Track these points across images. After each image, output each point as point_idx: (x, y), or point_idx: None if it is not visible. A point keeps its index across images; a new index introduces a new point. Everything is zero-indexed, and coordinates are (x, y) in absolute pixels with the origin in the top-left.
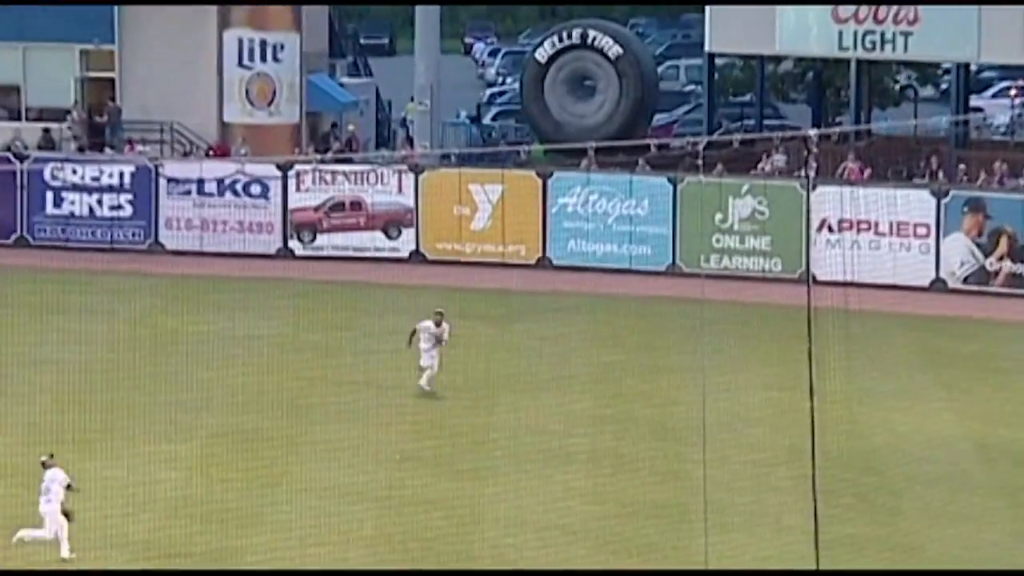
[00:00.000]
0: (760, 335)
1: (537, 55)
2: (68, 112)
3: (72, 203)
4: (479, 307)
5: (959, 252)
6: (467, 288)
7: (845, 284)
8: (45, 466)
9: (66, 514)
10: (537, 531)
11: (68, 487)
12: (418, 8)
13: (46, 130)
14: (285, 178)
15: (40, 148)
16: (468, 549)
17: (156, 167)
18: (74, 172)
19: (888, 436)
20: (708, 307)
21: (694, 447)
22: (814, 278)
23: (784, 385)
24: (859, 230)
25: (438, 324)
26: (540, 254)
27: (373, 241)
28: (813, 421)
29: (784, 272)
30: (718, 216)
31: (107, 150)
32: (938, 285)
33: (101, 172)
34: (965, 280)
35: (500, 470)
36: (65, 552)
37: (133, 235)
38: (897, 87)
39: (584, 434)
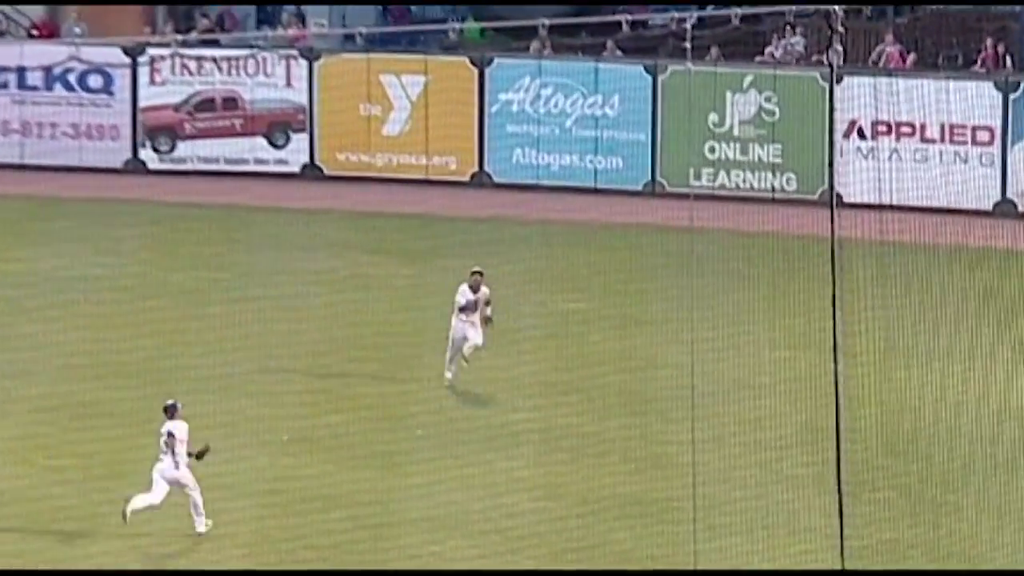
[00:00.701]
0: (767, 275)
1: None
2: None
3: None
4: (394, 239)
5: None
6: (378, 213)
7: (880, 207)
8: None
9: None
10: (470, 536)
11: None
12: None
13: None
14: (135, 66)
15: None
16: (379, 558)
17: None
18: None
19: (939, 409)
20: (699, 238)
21: (679, 424)
22: (839, 199)
23: (800, 342)
24: (899, 135)
25: (475, 288)
26: (475, 168)
27: (253, 150)
28: (838, 389)
29: (800, 192)
30: (712, 117)
31: None
32: (1004, 208)
33: None
34: None
35: (421, 455)
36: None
37: None
38: None
39: (534, 407)
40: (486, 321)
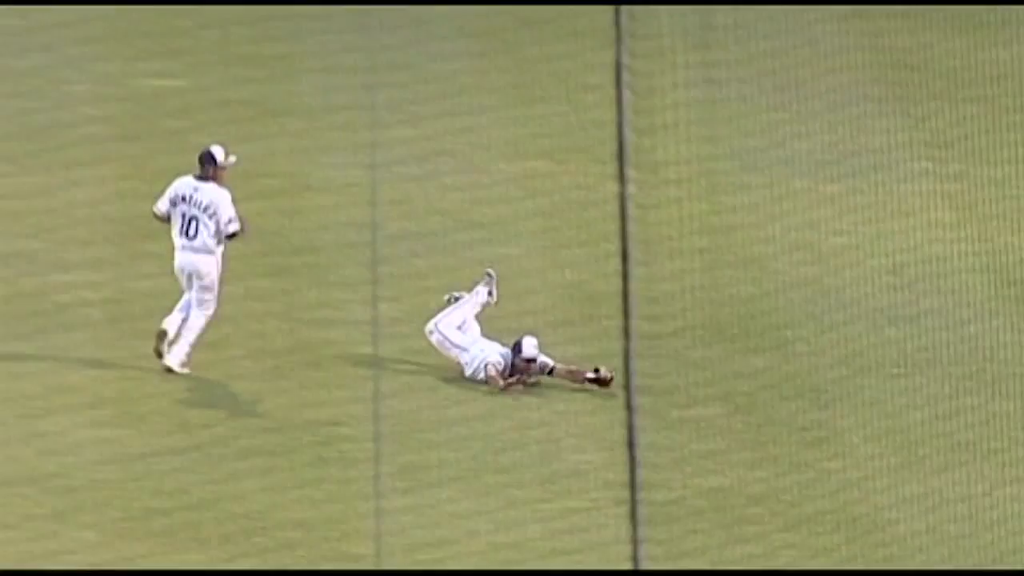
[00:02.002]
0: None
1: None
2: None
3: None
4: None
5: None
6: None
7: None
8: None
9: None
10: None
11: None
12: None
13: None
14: None
15: None
16: None
17: None
18: None
19: (799, 264)
20: None
21: None
22: None
23: (556, 148)
24: None
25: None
26: None
27: None
28: (626, 232)
29: None
30: None
31: None
32: None
33: None
34: None
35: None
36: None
37: None
38: None
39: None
40: None
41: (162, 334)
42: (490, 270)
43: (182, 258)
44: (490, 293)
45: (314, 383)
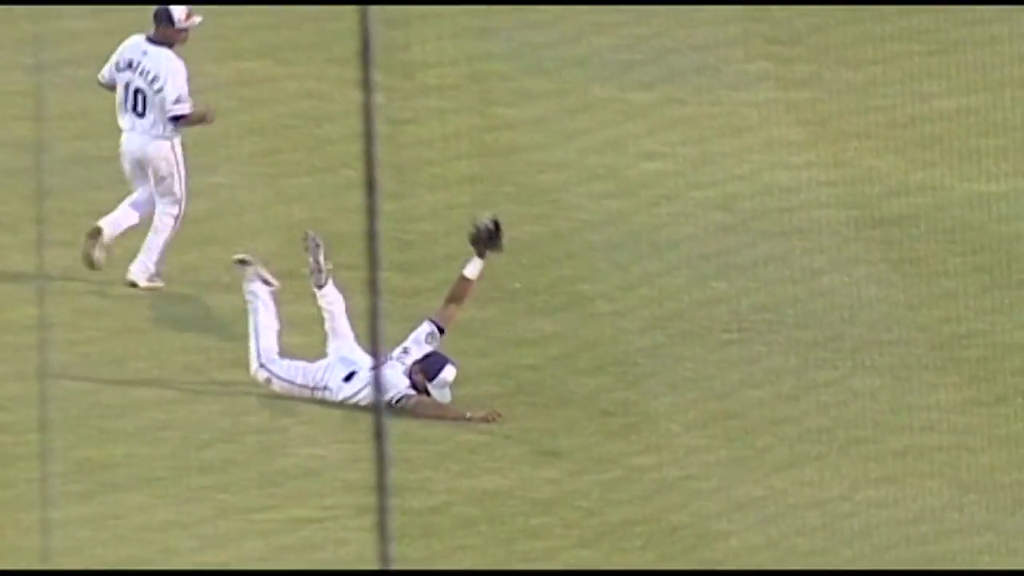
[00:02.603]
0: None
1: None
2: None
3: None
4: None
5: None
6: None
7: None
8: None
9: None
10: None
11: None
12: None
13: None
14: None
15: None
16: None
17: None
18: None
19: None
20: None
21: None
22: None
23: None
24: None
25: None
26: None
27: None
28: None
29: None
30: None
31: None
32: None
33: None
34: None
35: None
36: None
37: None
38: None
39: None
40: None
41: (95, 232)
42: (312, 233)
43: (128, 142)
44: (319, 271)
45: None
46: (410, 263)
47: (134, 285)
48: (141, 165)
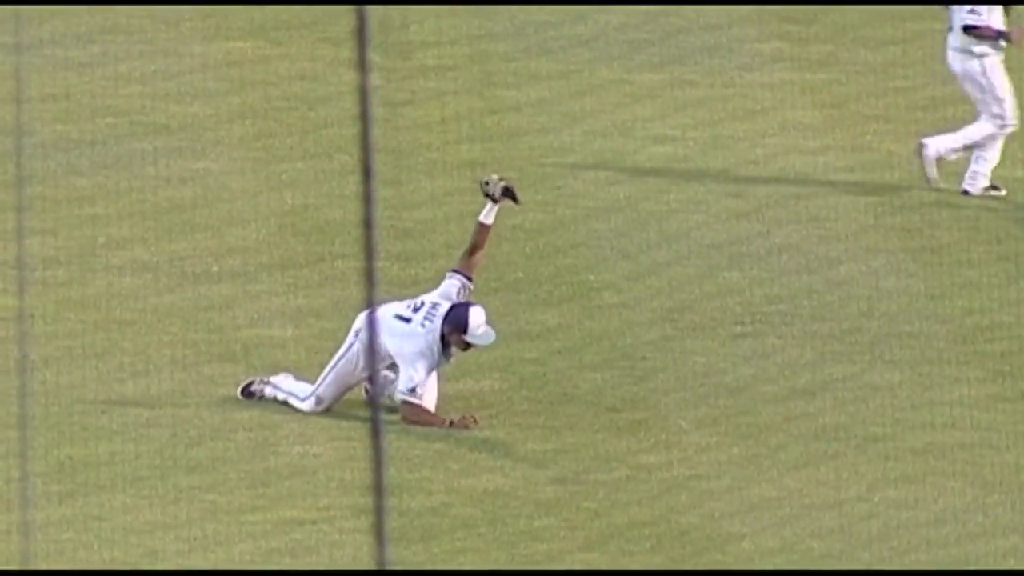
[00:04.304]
0: None
1: None
2: None
3: None
4: None
5: None
6: None
7: None
8: None
9: None
10: None
11: None
12: None
13: None
14: None
15: None
16: None
17: None
18: None
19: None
20: None
21: None
22: None
23: None
24: None
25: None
26: None
27: None
28: None
29: None
30: None
31: None
32: None
33: None
34: None
35: None
36: None
37: None
38: None
39: None
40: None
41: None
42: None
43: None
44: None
45: None
46: (408, 252)
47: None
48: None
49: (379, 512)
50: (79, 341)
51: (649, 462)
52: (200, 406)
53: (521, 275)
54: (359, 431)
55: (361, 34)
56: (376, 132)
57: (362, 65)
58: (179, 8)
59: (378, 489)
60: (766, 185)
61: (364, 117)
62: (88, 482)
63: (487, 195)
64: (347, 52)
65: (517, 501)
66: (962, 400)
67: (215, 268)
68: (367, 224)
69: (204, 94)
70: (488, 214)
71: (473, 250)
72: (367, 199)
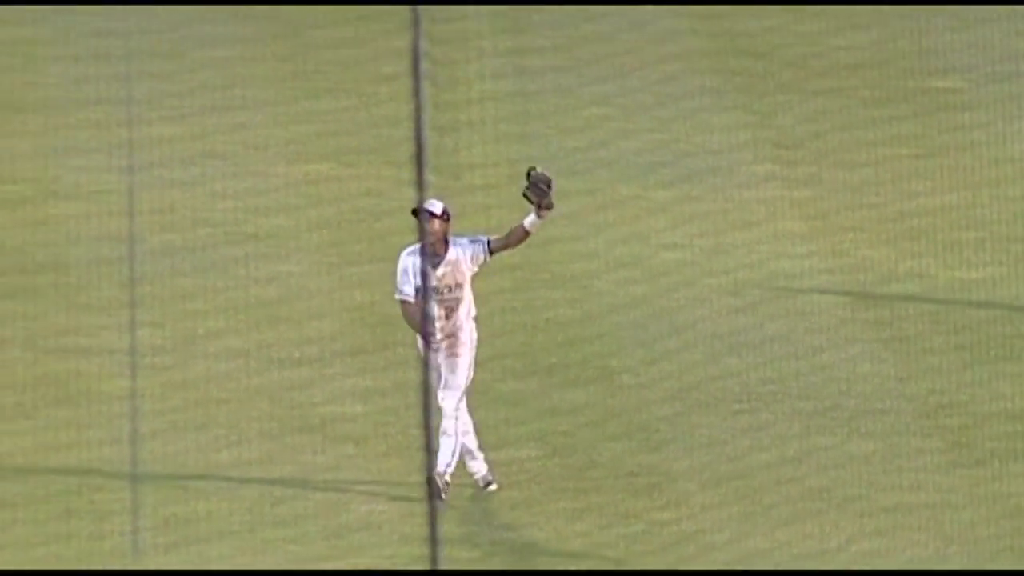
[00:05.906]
0: None
1: None
2: None
3: None
4: None
5: None
6: None
7: None
8: None
9: None
10: None
11: None
12: None
13: None
14: None
15: None
16: None
17: None
18: None
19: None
20: None
21: None
22: None
23: None
24: None
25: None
26: None
27: None
28: None
29: None
30: None
31: None
32: None
33: None
34: None
35: None
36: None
37: None
38: None
39: None
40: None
41: None
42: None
43: None
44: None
45: (62, 422)
46: None
47: None
48: None
49: (434, 561)
50: (181, 416)
51: (662, 518)
52: (284, 471)
53: (554, 360)
54: (417, 492)
55: (419, 158)
56: (431, 240)
57: (419, 184)
58: (266, 134)
59: (433, 541)
60: (759, 285)
61: (421, 227)
62: (189, 535)
63: (532, 188)
64: (407, 173)
65: (550, 552)
66: (926, 466)
67: (296, 355)
68: (425, 316)
69: (287, 208)
70: (531, 222)
71: (507, 242)
72: (425, 297)
